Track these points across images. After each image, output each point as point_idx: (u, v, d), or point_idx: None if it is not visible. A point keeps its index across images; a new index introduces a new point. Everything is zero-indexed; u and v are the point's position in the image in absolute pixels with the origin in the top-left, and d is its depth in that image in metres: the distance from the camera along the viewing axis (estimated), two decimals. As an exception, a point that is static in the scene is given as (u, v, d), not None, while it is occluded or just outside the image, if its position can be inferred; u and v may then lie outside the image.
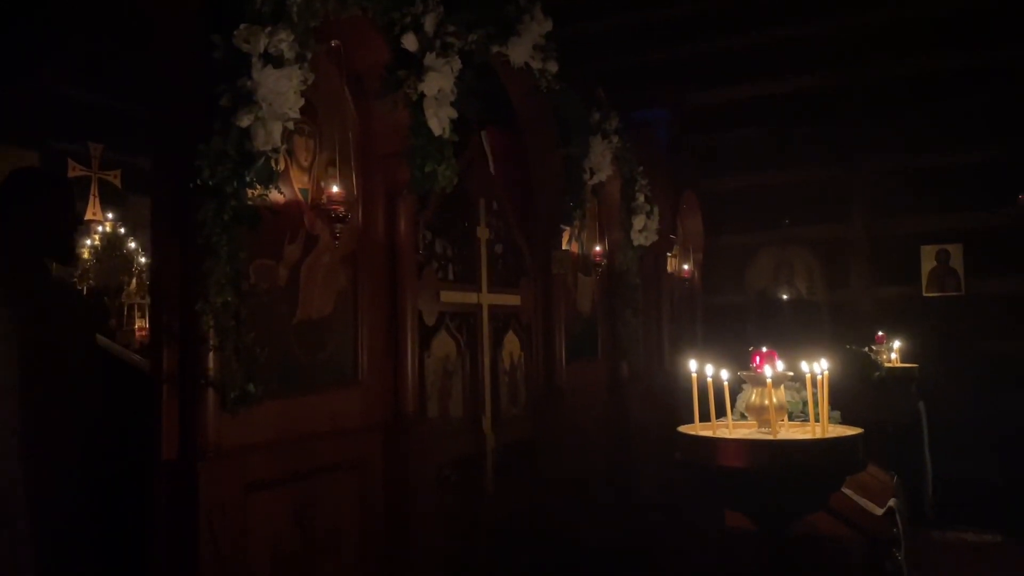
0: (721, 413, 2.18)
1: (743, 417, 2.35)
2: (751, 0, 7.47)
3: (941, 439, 5.72)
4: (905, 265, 7.44)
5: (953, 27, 7.06)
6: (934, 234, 7.37)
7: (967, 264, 7.24)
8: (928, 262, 7.34)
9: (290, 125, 2.77)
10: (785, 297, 7.90)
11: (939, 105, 7.35)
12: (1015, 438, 6.09)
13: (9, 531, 2.57)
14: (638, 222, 5.87)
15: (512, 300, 4.59)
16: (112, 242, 6.30)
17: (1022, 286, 6.72)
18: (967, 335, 7.01)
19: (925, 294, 7.35)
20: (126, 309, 5.71)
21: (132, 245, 6.37)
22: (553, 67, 4.55)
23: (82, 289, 5.53)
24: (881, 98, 7.55)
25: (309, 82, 2.79)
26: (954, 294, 7.25)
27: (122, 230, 6.51)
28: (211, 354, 2.56)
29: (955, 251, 7.27)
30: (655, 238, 6.14)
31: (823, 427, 2.08)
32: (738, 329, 7.74)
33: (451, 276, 4.14)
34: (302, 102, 2.77)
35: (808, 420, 2.28)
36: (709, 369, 2.22)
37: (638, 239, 5.92)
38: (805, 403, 2.37)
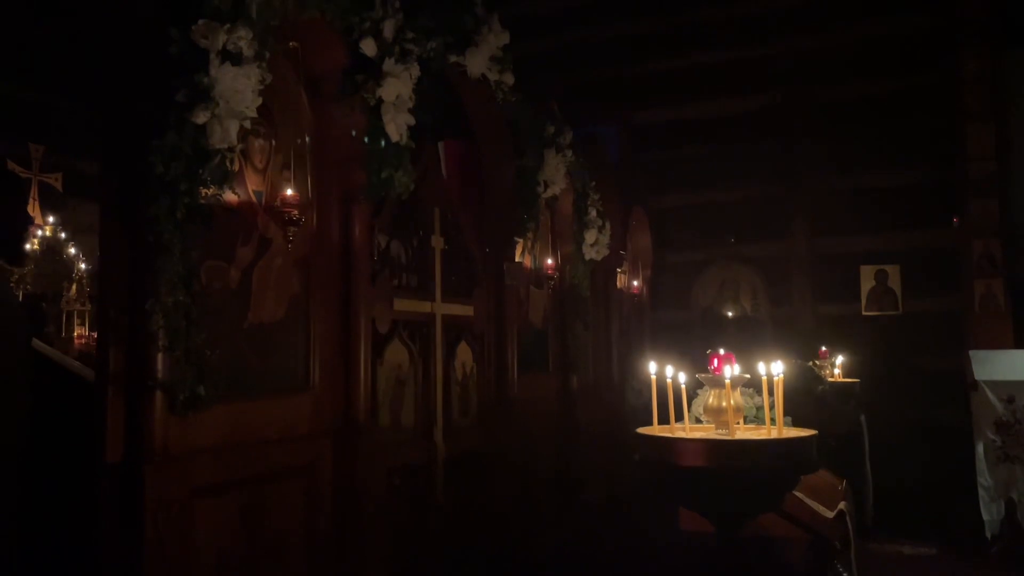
0: (678, 416, 2.21)
1: (698, 421, 2.39)
2: (698, 22, 7.67)
3: (879, 452, 5.87)
4: (846, 283, 7.66)
5: (892, 51, 7.34)
6: (873, 254, 7.60)
7: (904, 284, 7.47)
8: (867, 282, 7.57)
9: (247, 124, 2.74)
10: (730, 314, 8.05)
11: (878, 127, 7.61)
12: (948, 451, 6.28)
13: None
14: (590, 236, 5.93)
15: (465, 310, 4.58)
16: (52, 247, 6.10)
17: (954, 305, 6.96)
18: (904, 352, 7.23)
19: (864, 312, 7.56)
20: (65, 316, 5.53)
21: (72, 251, 6.17)
22: (509, 79, 4.59)
23: (18, 294, 5.33)
24: (822, 119, 7.78)
25: (267, 81, 2.77)
26: (892, 313, 7.48)
27: (62, 235, 6.31)
28: (160, 355, 2.51)
29: (893, 271, 7.51)
30: (606, 253, 6.21)
31: (779, 429, 2.12)
32: (684, 345, 7.84)
33: (405, 284, 4.11)
34: (260, 101, 2.74)
35: (761, 424, 2.32)
36: (668, 371, 2.25)
37: (590, 253, 5.97)
38: (759, 408, 2.42)
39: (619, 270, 7.11)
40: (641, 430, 2.23)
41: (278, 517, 3.02)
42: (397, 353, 3.95)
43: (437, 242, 4.35)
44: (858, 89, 7.66)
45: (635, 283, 7.61)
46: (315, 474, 3.24)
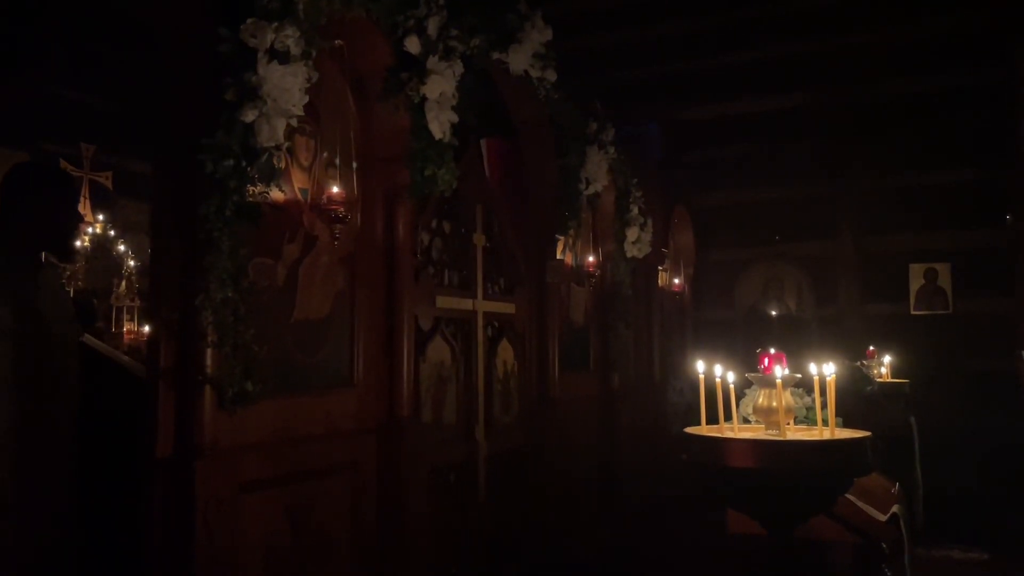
0: (727, 416, 2.17)
1: (745, 421, 2.35)
2: (742, 19, 7.54)
3: (929, 454, 5.74)
4: (894, 283, 7.50)
5: (943, 48, 7.16)
6: (922, 252, 7.44)
7: (955, 283, 7.30)
8: (916, 280, 7.40)
9: (293, 122, 2.75)
10: (774, 313, 7.93)
11: (928, 124, 7.44)
12: (1000, 455, 6.12)
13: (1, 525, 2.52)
14: (632, 234, 5.88)
15: (507, 308, 4.58)
16: (102, 244, 6.24)
17: (1007, 306, 6.77)
18: (955, 352, 7.06)
19: (913, 312, 7.41)
20: (114, 311, 5.65)
21: (121, 248, 6.31)
22: (552, 76, 4.56)
23: (69, 290, 5.46)
24: (870, 116, 7.63)
25: (314, 80, 2.79)
26: (942, 312, 7.31)
27: (112, 232, 6.45)
28: (209, 351, 2.53)
29: (943, 270, 7.34)
30: (648, 251, 6.16)
31: (831, 430, 2.08)
32: (727, 344, 7.74)
33: (447, 281, 4.12)
34: (306, 99, 2.76)
35: (810, 425, 2.28)
36: (718, 370, 2.21)
37: (631, 251, 5.93)
38: (808, 408, 2.37)
39: (661, 268, 7.05)
40: (690, 430, 2.19)
41: (323, 513, 3.04)
42: (439, 350, 3.96)
43: (479, 239, 4.35)
44: (907, 86, 7.48)
45: (677, 281, 7.54)
46: (359, 471, 3.26)
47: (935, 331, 7.24)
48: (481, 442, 4.19)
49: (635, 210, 5.94)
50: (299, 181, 3.11)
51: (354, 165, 3.36)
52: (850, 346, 6.04)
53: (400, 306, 3.50)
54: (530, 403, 4.72)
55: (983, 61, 6.98)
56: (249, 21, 2.56)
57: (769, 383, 2.18)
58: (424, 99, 3.46)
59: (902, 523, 3.09)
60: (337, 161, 3.23)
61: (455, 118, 3.58)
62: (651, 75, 8.03)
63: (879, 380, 4.87)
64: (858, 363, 4.82)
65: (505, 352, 4.55)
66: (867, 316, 7.58)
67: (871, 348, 5.32)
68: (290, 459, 2.91)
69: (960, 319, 7.25)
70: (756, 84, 7.86)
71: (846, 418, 2.56)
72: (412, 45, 3.42)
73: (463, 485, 4.05)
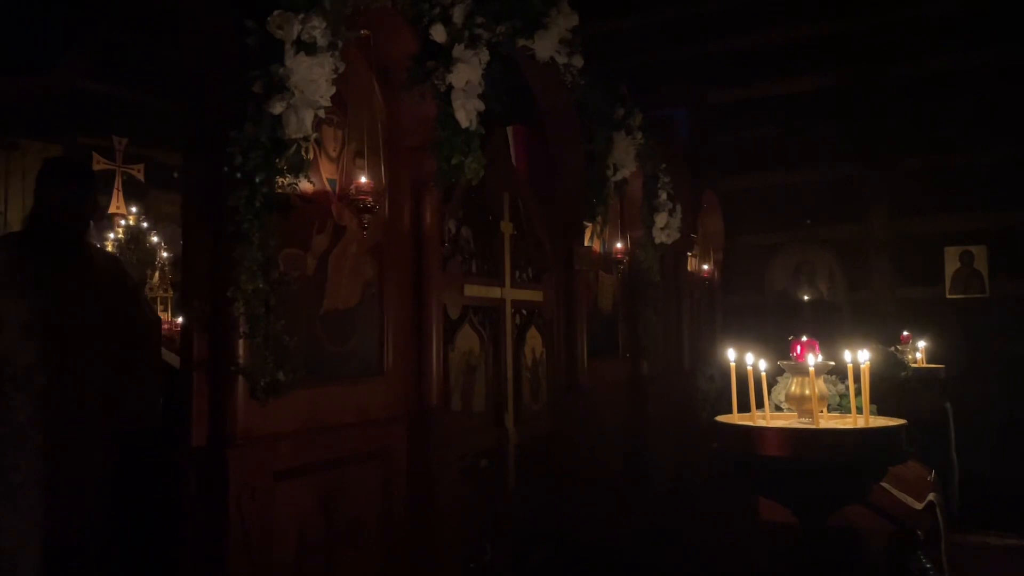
0: (759, 404, 2.15)
1: (777, 408, 2.32)
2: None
3: (965, 440, 5.66)
4: (928, 266, 7.39)
5: (975, 24, 7.00)
6: (958, 235, 7.31)
7: (992, 265, 7.16)
8: (952, 263, 7.28)
9: (321, 113, 2.76)
10: (806, 298, 7.85)
11: (962, 103, 7.28)
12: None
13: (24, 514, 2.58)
14: (660, 220, 5.84)
15: (535, 296, 4.57)
16: (135, 236, 6.33)
17: (1047, 288, 6.65)
18: (991, 337, 6.94)
19: (949, 295, 7.28)
20: (148, 302, 5.72)
21: (155, 239, 6.40)
22: (578, 62, 4.53)
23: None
24: (903, 97, 7.49)
25: (340, 70, 2.79)
26: (978, 296, 7.18)
27: (145, 224, 6.54)
28: (241, 341, 2.56)
29: (979, 252, 7.21)
30: (677, 236, 6.12)
31: (865, 418, 2.05)
32: (757, 330, 7.68)
33: (475, 270, 4.12)
34: (333, 90, 2.76)
35: (843, 412, 2.25)
36: (749, 358, 2.19)
37: (660, 237, 5.89)
38: (841, 396, 2.34)
39: (690, 254, 7.00)
40: (720, 418, 2.18)
41: (354, 501, 3.07)
42: (468, 338, 3.96)
43: (506, 227, 4.34)
44: (941, 63, 7.33)
45: (706, 267, 7.49)
46: (390, 459, 3.28)
47: (971, 315, 7.11)
48: (510, 429, 4.20)
49: (663, 195, 5.89)
50: (327, 172, 3.12)
51: (381, 155, 3.36)
52: (884, 331, 5.96)
53: (428, 295, 3.50)
54: (559, 390, 4.72)
55: (1017, 37, 6.81)
56: (276, 13, 2.56)
57: (802, 371, 2.16)
58: (450, 87, 3.45)
59: (938, 511, 3.05)
60: (364, 151, 3.24)
61: (481, 106, 3.56)
62: (678, 58, 7.97)
63: (914, 366, 4.80)
64: (892, 348, 4.75)
65: (533, 339, 4.55)
66: (901, 300, 7.47)
67: (905, 333, 5.25)
68: (322, 447, 2.93)
69: (997, 302, 7.12)
70: (785, 65, 7.76)
71: (880, 405, 2.52)
72: (438, 33, 3.41)
73: (493, 471, 4.06)
